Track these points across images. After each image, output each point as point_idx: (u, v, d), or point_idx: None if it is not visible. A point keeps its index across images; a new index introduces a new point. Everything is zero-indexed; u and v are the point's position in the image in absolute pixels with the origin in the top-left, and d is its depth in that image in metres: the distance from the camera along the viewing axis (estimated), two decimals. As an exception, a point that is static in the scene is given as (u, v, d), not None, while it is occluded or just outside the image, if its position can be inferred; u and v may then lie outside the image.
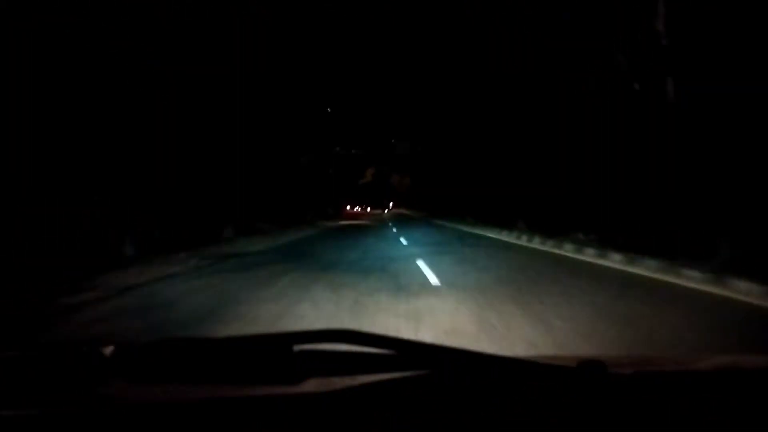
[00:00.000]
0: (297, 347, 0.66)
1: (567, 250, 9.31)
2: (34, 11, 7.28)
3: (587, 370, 0.69)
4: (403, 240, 12.91)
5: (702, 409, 0.67)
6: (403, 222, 28.00)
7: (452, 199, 30.88)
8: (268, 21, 13.97)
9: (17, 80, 7.29)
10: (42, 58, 7.57)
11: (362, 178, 72.89)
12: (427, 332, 3.35)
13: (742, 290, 4.66)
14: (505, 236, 13.96)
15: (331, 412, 0.64)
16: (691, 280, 5.45)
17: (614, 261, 7.43)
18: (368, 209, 75.15)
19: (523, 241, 12.17)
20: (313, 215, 26.30)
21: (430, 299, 4.49)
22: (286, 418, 0.63)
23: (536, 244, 11.16)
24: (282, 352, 0.65)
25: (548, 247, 10.33)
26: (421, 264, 7.19)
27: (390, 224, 24.05)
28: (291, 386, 0.65)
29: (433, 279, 5.73)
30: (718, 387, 0.75)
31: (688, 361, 1.08)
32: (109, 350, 0.68)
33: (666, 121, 8.28)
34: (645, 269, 6.43)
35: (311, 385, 0.65)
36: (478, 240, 13.06)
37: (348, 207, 70.25)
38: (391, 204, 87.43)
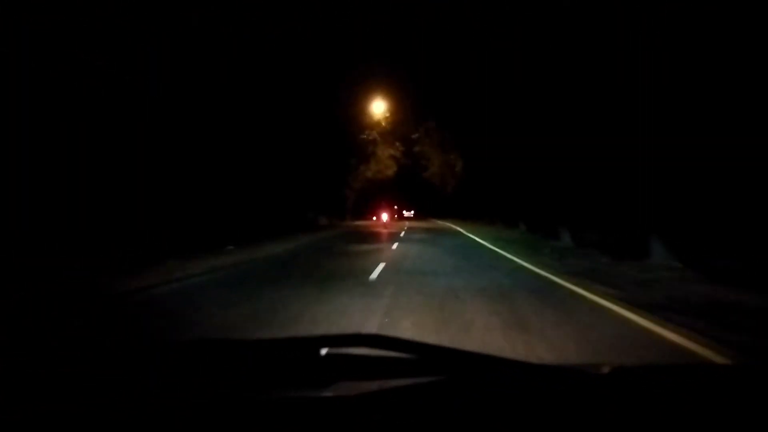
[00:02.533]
0: (325, 351, 0.67)
1: None
2: (28, 11, 7.22)
3: (620, 376, 0.67)
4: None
5: (738, 414, 0.64)
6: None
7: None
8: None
9: (17, 80, 7.25)
10: (42, 58, 7.52)
11: (366, 161, 35.81)
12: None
13: None
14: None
15: (358, 416, 0.64)
16: None
17: None
18: (377, 218, 39.63)
19: None
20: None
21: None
22: (314, 421, 0.62)
23: None
24: (310, 356, 0.67)
25: None
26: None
27: None
28: (319, 389, 0.66)
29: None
30: (751, 393, 0.72)
31: (722, 368, 1.01)
32: (145, 350, 0.69)
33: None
34: None
35: (339, 389, 0.66)
36: None
37: (371, 215, 42.68)
38: (411, 212, 57.59)
